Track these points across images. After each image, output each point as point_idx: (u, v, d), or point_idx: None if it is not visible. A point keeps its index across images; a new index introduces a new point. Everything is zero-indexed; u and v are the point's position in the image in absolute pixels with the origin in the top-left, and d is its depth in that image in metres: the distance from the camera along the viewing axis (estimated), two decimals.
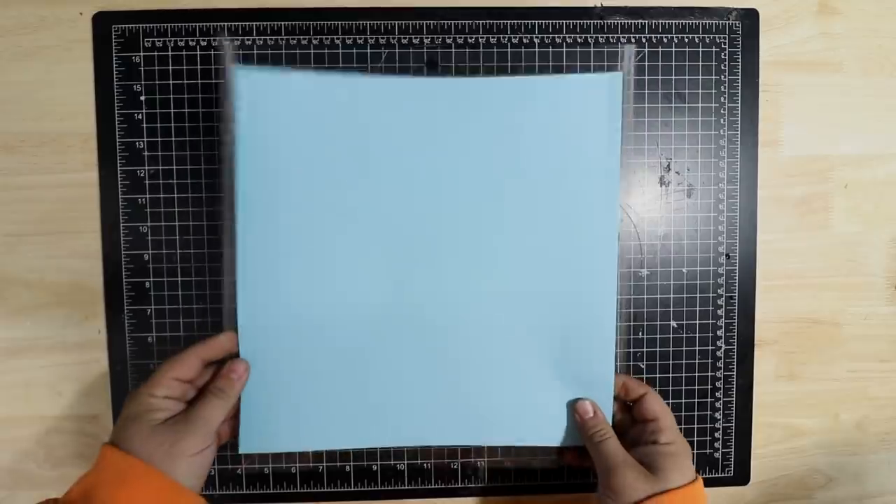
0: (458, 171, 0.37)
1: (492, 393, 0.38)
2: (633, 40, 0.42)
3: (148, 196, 0.41)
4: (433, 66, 0.41)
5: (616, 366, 0.39)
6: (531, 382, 0.39)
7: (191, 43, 0.41)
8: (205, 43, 0.41)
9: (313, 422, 0.38)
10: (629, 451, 0.36)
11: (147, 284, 0.41)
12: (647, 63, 0.42)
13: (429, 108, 0.37)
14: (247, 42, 0.41)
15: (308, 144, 0.37)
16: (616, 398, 0.39)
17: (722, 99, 0.42)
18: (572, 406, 0.38)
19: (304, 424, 0.38)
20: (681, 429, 0.43)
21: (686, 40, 0.42)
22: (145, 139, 0.41)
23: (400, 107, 0.37)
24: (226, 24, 0.40)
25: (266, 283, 0.37)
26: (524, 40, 0.41)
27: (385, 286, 0.38)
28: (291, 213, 0.37)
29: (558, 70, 0.41)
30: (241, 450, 0.37)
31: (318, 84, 0.37)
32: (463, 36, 0.41)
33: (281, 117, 0.36)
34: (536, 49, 0.41)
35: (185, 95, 0.41)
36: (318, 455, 0.42)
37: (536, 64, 0.41)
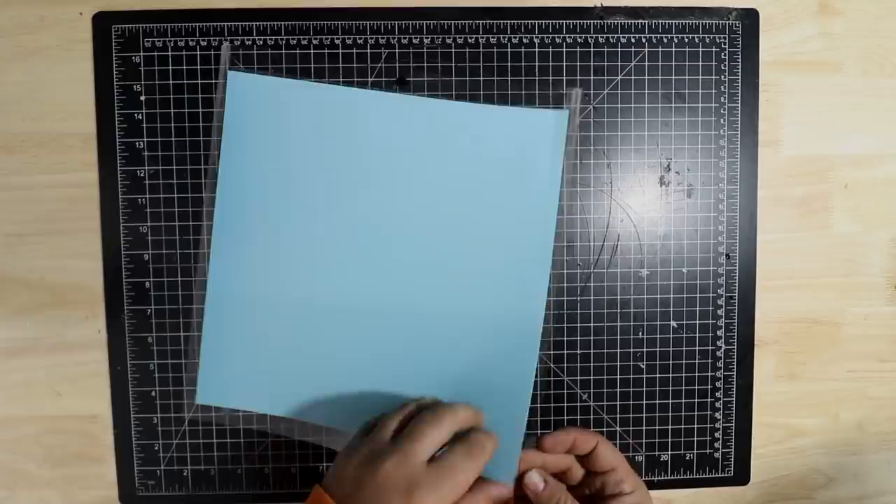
0: (414, 180, 0.40)
1: (432, 376, 0.40)
2: (634, 41, 0.42)
3: (148, 196, 0.41)
4: (404, 83, 0.41)
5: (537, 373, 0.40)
6: (461, 375, 0.39)
7: (191, 43, 0.41)
8: (205, 43, 0.41)
9: (268, 386, 0.41)
10: None
11: (147, 284, 0.41)
12: (647, 63, 0.42)
13: (396, 122, 0.40)
14: (247, 42, 0.41)
15: (285, 145, 0.40)
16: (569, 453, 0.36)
17: (722, 99, 0.42)
18: (522, 482, 0.34)
19: (260, 386, 0.41)
20: (680, 429, 0.43)
21: (686, 40, 0.42)
22: (145, 139, 0.41)
23: (370, 118, 0.40)
24: (226, 24, 0.40)
25: (237, 256, 0.41)
26: (524, 40, 0.41)
27: (345, 275, 0.40)
28: (264, 199, 0.40)
29: (558, 71, 0.41)
30: (199, 400, 0.41)
31: (300, 91, 0.40)
32: (463, 36, 0.41)
33: (264, 120, 0.40)
34: (536, 49, 0.41)
35: (185, 95, 0.41)
36: (317, 455, 0.42)
37: (536, 64, 0.41)
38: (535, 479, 0.34)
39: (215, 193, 0.40)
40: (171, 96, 0.41)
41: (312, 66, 0.41)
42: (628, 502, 0.34)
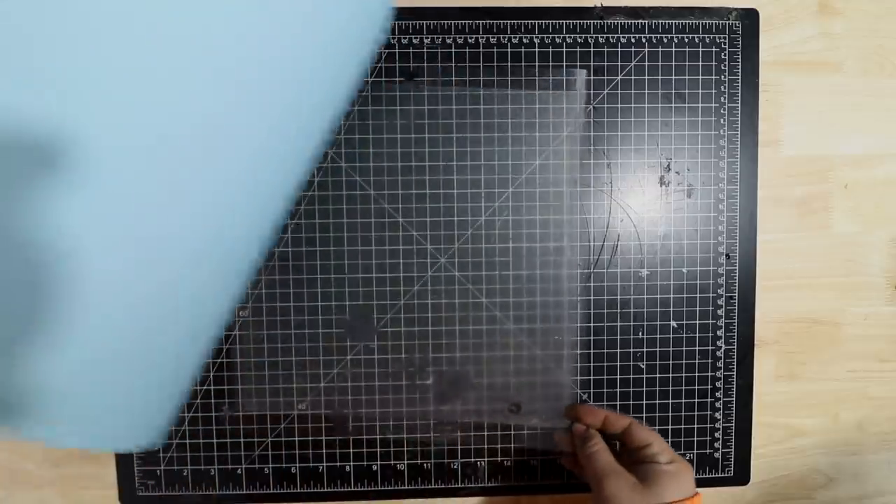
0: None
1: None
2: (634, 41, 0.42)
3: None
4: (409, 75, 0.41)
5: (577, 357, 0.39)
6: None
7: None
8: None
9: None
10: (627, 469, 0.36)
11: None
12: (647, 63, 0.42)
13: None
14: None
15: None
16: (603, 432, 0.39)
17: (722, 99, 0.42)
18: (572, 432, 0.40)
19: None
20: (680, 429, 0.43)
21: (686, 40, 0.42)
22: None
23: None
24: None
25: None
26: (524, 40, 0.41)
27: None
28: None
29: (558, 71, 0.41)
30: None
31: None
32: (463, 36, 0.41)
33: None
34: (536, 49, 0.41)
35: None
36: (317, 455, 0.42)
37: (536, 64, 0.41)
38: (577, 426, 0.40)
39: None
40: None
41: None
42: (665, 469, 0.35)
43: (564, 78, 0.41)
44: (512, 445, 0.43)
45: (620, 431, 0.38)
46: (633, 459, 0.37)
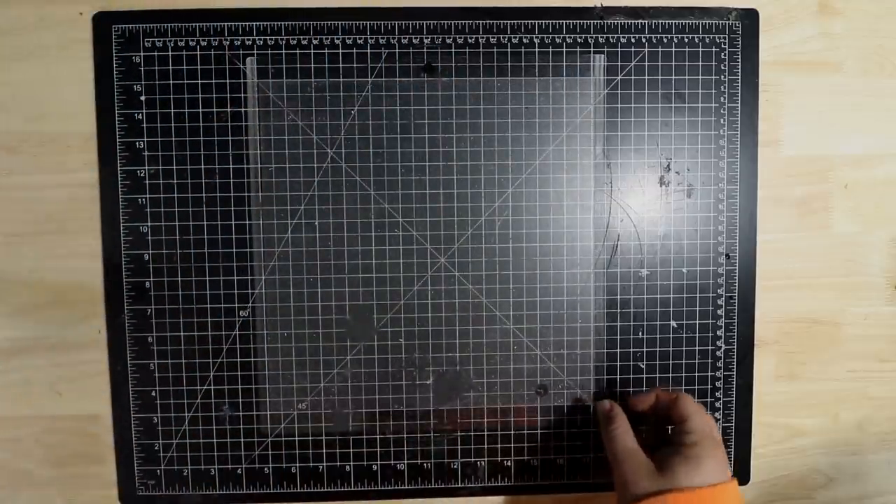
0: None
1: None
2: (634, 41, 0.42)
3: (148, 196, 0.41)
4: (432, 70, 0.41)
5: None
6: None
7: (191, 43, 0.41)
8: (205, 43, 0.41)
9: None
10: (654, 451, 0.36)
11: (147, 284, 0.41)
12: (647, 63, 0.42)
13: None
14: (247, 42, 0.41)
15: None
16: (654, 413, 0.40)
17: (722, 99, 0.42)
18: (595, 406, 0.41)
19: None
20: None
21: (686, 40, 0.42)
22: (145, 139, 0.41)
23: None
24: (225, 24, 0.40)
25: None
26: (524, 40, 0.41)
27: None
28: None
29: (557, 71, 0.41)
30: None
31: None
32: (463, 36, 0.41)
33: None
34: (536, 49, 0.41)
35: (186, 95, 0.41)
36: (317, 455, 0.42)
37: (536, 64, 0.41)
38: (604, 405, 0.40)
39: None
40: (172, 96, 0.41)
41: (312, 66, 0.41)
42: (684, 454, 0.35)
43: (564, 78, 0.41)
44: (512, 445, 0.43)
45: (669, 404, 0.38)
46: (672, 437, 0.37)
